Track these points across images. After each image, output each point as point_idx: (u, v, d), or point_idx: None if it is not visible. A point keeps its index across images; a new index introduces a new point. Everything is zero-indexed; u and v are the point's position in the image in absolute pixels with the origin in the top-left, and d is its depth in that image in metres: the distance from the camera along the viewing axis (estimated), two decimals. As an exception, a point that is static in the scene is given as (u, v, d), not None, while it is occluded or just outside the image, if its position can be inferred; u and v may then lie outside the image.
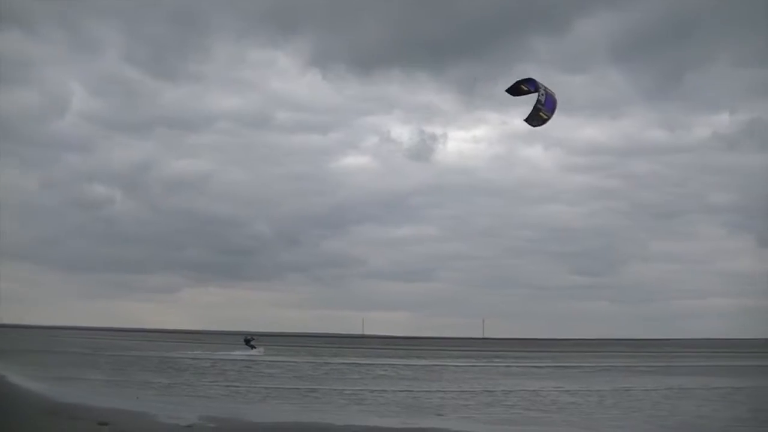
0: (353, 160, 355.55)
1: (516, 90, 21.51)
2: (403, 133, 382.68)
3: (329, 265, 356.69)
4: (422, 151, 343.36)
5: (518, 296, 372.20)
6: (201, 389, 42.21)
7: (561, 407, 36.26)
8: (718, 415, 33.78)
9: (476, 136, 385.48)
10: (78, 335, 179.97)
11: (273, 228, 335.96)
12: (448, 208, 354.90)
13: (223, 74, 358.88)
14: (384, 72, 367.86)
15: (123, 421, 26.47)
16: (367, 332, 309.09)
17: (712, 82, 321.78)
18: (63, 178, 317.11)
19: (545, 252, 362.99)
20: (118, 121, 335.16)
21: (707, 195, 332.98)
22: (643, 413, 34.27)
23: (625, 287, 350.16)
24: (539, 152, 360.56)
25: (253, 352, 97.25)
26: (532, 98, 21.15)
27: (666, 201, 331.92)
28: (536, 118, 21.23)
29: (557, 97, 21.29)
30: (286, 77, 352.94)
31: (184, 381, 47.45)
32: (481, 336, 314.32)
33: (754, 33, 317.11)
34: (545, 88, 21.13)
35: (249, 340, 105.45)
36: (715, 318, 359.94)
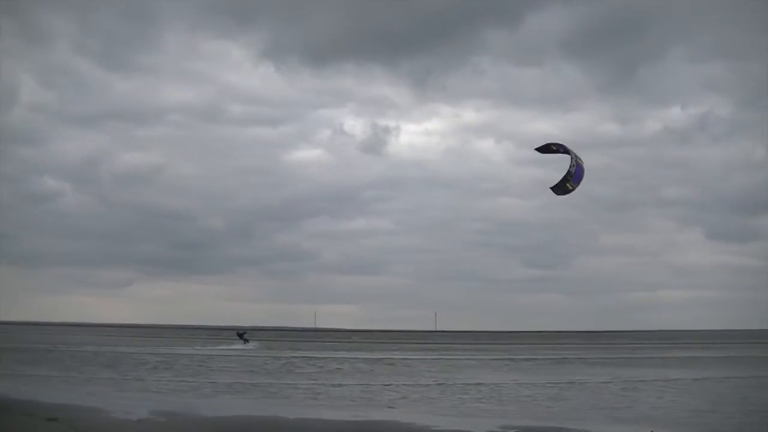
0: (306, 154, 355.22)
1: (546, 148, 21.97)
2: (356, 126, 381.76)
3: (282, 259, 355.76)
4: (375, 144, 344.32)
5: (471, 289, 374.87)
6: (153, 384, 41.99)
7: (516, 399, 36.61)
8: (677, 406, 34.20)
9: (429, 129, 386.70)
10: (29, 331, 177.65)
11: (225, 222, 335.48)
12: (400, 202, 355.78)
13: (175, 66, 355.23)
14: (337, 65, 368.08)
15: (73, 417, 26.23)
16: (320, 326, 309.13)
17: (665, 77, 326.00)
18: (12, 172, 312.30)
19: (497, 245, 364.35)
20: (68, 113, 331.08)
21: (659, 188, 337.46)
22: (601, 405, 34.64)
23: (577, 280, 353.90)
24: (491, 145, 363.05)
25: (248, 346, 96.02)
26: (558, 159, 21.48)
27: (618, 194, 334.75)
28: (562, 188, 21.67)
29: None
30: (238, 70, 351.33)
31: (136, 376, 47.15)
32: (433, 329, 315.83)
33: (706, 28, 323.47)
34: (576, 157, 21.47)
35: (242, 333, 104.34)
36: (665, 310, 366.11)
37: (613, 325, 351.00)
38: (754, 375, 52.79)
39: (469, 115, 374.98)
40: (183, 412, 29.02)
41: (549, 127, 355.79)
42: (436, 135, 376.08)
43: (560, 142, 21.97)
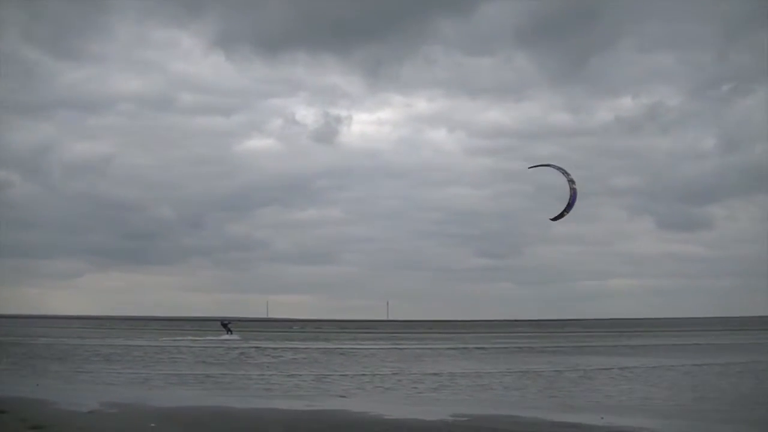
0: (257, 143, 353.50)
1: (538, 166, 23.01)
2: (307, 115, 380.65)
3: (233, 249, 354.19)
4: (327, 133, 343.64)
5: (423, 278, 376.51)
6: (104, 376, 41.54)
7: (470, 388, 36.79)
8: (631, 394, 34.61)
9: (381, 118, 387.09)
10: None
11: (176, 212, 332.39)
12: (352, 191, 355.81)
13: (125, 55, 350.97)
14: (289, 54, 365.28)
15: (22, 409, 25.84)
16: (272, 315, 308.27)
17: (616, 67, 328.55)
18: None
19: (449, 234, 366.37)
20: (16, 102, 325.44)
21: (610, 178, 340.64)
22: (554, 393, 34.99)
23: (529, 269, 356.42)
24: (443, 135, 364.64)
25: (233, 337, 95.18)
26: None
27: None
28: (559, 217, 22.96)
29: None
30: (189, 58, 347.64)
31: (88, 368, 46.60)
32: (386, 318, 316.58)
33: (656, 18, 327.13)
34: (572, 182, 22.34)
35: (226, 324, 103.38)
36: (616, 298, 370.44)
37: (564, 313, 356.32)
38: (705, 362, 53.56)
39: (422, 104, 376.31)
40: (134, 403, 28.71)
41: (501, 116, 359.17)
42: (388, 124, 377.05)
43: (554, 164, 22.92)
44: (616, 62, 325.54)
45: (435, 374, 44.20)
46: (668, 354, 66.41)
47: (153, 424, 23.62)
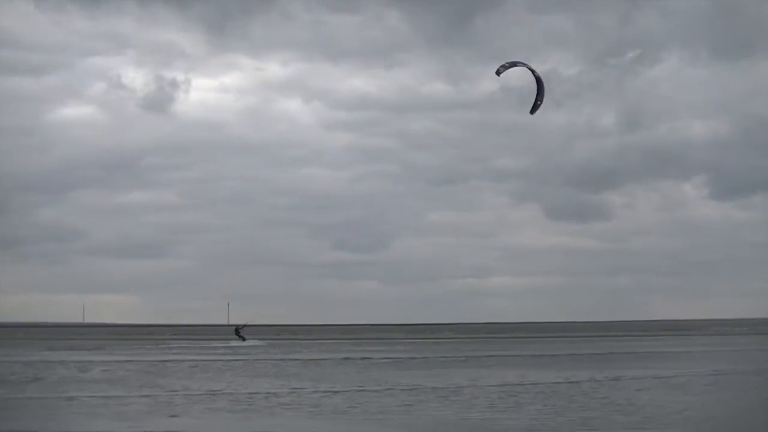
0: (74, 111, 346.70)
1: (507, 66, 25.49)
2: (136, 78, 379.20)
3: (43, 240, 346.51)
4: (160, 100, 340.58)
5: (271, 275, 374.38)
6: None
7: (318, 406, 38.64)
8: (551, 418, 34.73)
9: (225, 84, 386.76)
10: None
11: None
12: (189, 171, 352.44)
13: None
14: (115, 4, 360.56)
15: None
16: (89, 320, 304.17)
17: (504, 29, 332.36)
18: None
19: (303, 223, 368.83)
20: None
21: (492, 158, 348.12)
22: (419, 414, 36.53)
23: (397, 264, 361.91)
24: (298, 105, 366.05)
25: (247, 343, 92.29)
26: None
27: (445, 164, 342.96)
28: (536, 109, 25.53)
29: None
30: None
31: None
32: (226, 322, 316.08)
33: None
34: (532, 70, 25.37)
35: (239, 329, 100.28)
36: (497, 299, 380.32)
37: (438, 316, 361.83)
38: (602, 377, 54.16)
39: (274, 68, 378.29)
40: None
41: (367, 85, 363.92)
42: (234, 91, 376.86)
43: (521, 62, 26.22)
44: (503, 24, 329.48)
45: (252, 393, 45.03)
46: (537, 365, 68.20)
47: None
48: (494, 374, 57.00)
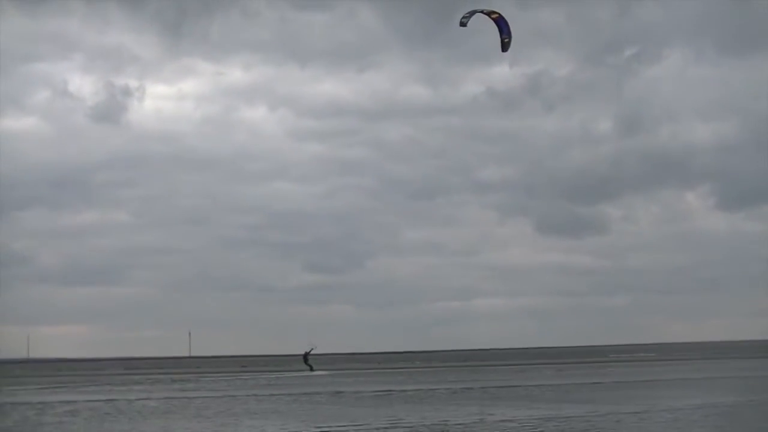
0: (15, 123, 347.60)
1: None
2: (84, 85, 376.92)
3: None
4: (111, 110, 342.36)
5: (235, 300, 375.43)
6: None
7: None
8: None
9: (183, 91, 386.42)
10: None
11: None
12: (144, 187, 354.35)
13: None
14: (59, 2, 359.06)
15: None
16: (34, 354, 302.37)
17: (488, 26, 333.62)
18: None
19: (270, 243, 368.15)
20: None
21: (477, 169, 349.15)
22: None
23: (372, 287, 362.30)
24: (263, 113, 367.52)
25: (317, 373, 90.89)
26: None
27: (424, 176, 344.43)
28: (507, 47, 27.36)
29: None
30: None
31: None
32: (188, 354, 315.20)
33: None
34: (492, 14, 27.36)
35: (306, 356, 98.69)
36: (483, 323, 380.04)
37: (419, 343, 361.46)
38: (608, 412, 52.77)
39: (236, 73, 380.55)
40: None
41: (339, 89, 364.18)
42: (192, 99, 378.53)
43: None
44: (487, 20, 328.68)
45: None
46: (520, 398, 67.09)
47: None
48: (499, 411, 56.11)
